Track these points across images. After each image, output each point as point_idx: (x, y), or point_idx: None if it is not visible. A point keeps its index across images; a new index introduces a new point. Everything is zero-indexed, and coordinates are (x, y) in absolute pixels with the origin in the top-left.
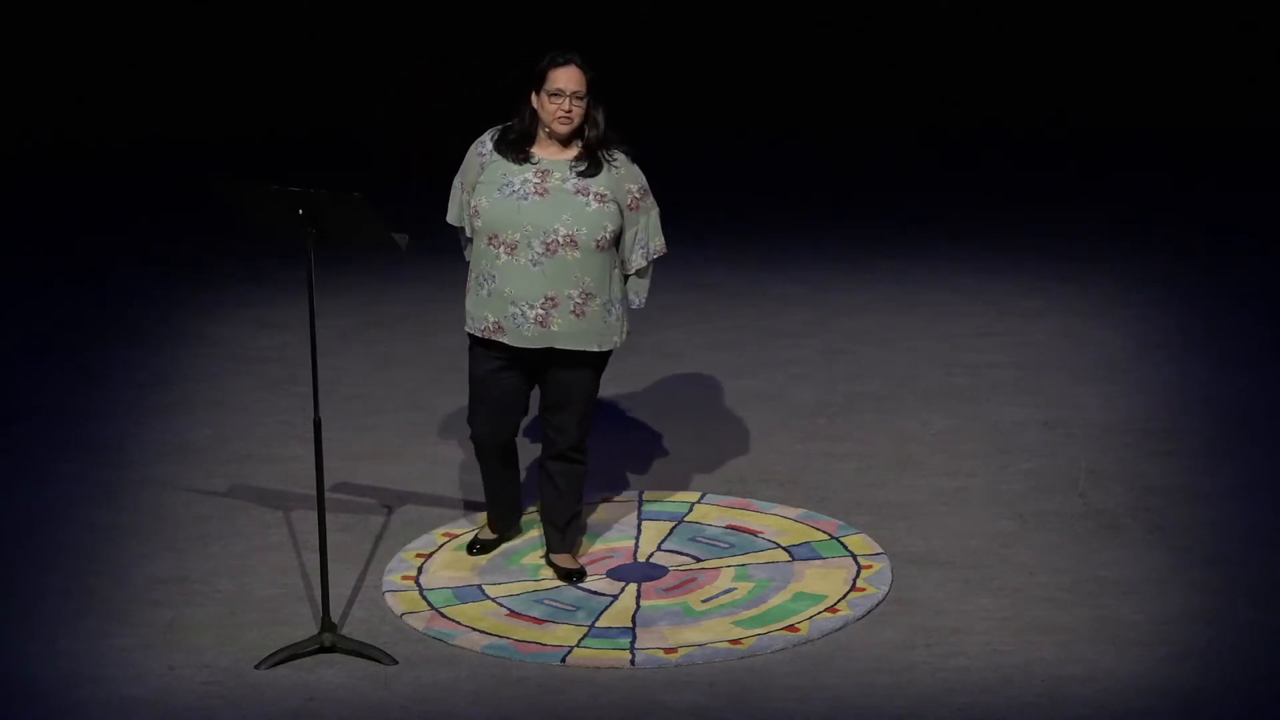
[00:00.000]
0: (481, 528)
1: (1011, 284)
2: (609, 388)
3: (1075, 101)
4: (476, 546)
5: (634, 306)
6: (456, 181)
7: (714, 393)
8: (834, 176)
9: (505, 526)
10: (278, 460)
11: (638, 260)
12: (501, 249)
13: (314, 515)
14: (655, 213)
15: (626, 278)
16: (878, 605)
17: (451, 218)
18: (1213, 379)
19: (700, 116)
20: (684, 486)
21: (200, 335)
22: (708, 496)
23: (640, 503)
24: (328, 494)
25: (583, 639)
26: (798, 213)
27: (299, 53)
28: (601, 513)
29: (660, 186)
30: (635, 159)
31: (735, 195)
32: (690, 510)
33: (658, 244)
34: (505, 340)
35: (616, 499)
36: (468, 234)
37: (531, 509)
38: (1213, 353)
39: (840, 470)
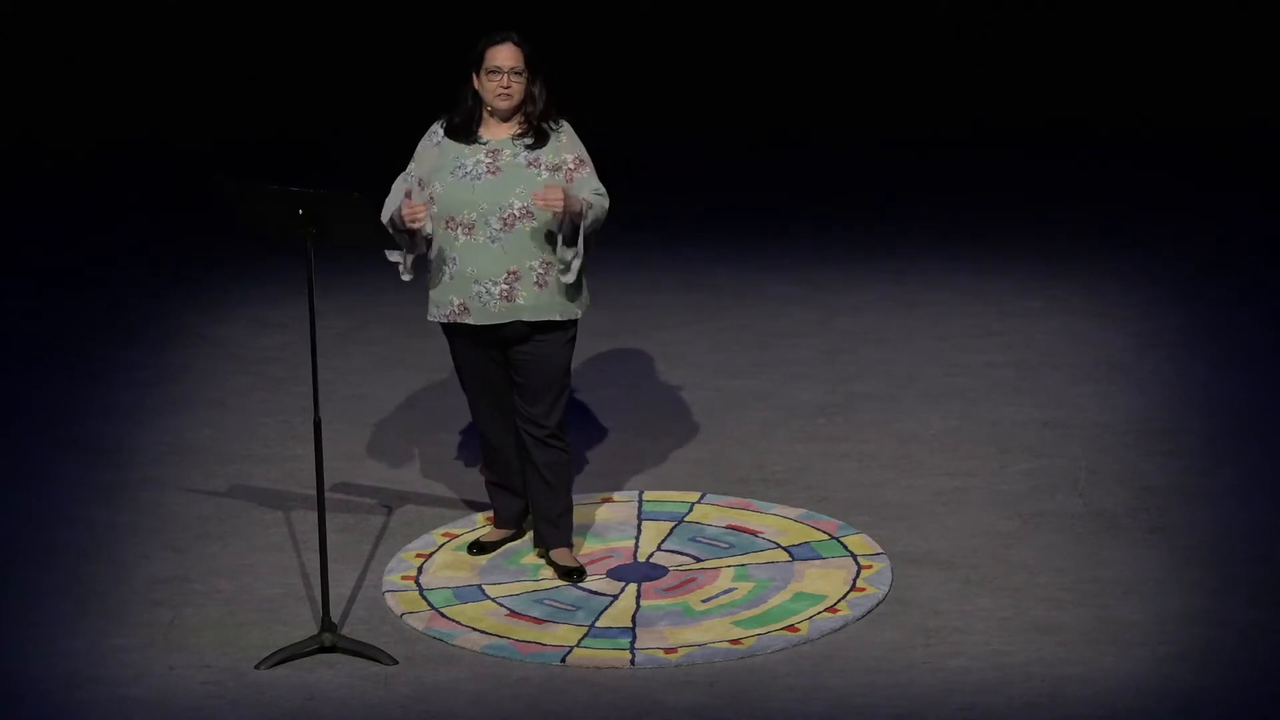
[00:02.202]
0: (483, 528)
1: (1011, 284)
2: (610, 388)
3: (1075, 101)
4: (476, 548)
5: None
6: (400, 178)
7: (714, 393)
8: (835, 176)
9: (515, 521)
10: (278, 460)
11: (584, 191)
12: (459, 230)
13: (314, 515)
14: (593, 181)
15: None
16: (878, 605)
17: (386, 217)
18: (1213, 379)
19: (700, 116)
20: (684, 486)
21: (200, 335)
22: (708, 496)
23: (640, 503)
24: (328, 494)
25: (583, 639)
26: (798, 213)
27: (300, 52)
28: (601, 513)
29: (660, 186)
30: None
31: (736, 195)
32: (690, 510)
33: (594, 187)
34: (470, 321)
35: (616, 499)
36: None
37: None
38: (1213, 353)
39: (840, 470)
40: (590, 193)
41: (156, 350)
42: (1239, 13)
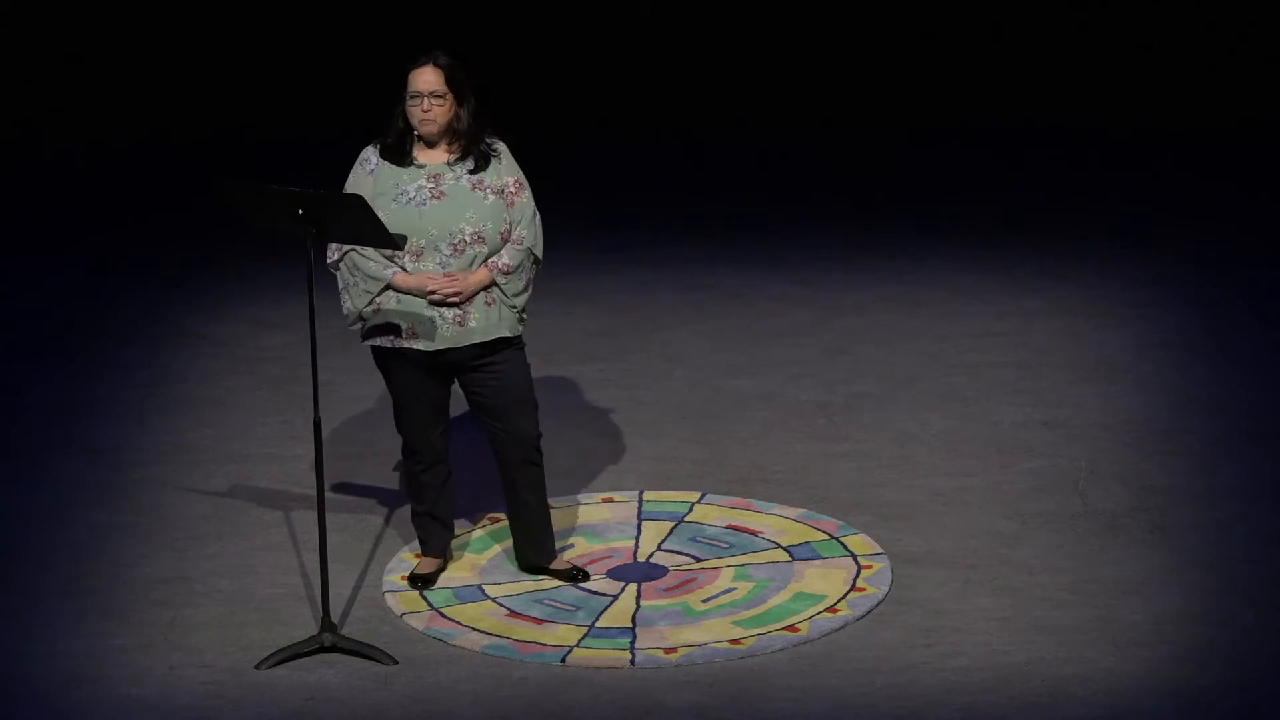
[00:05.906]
0: (418, 561)
1: (1011, 284)
2: (609, 387)
3: (1075, 100)
4: (420, 583)
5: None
6: None
7: (714, 393)
8: (834, 176)
9: (443, 549)
10: (278, 460)
11: (505, 255)
12: (407, 257)
13: (314, 515)
14: (530, 209)
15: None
16: (878, 605)
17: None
18: (1213, 379)
19: (700, 116)
20: (684, 486)
21: (200, 335)
22: (708, 496)
23: (640, 503)
24: (328, 494)
25: (583, 639)
26: (798, 213)
27: (300, 52)
28: (601, 513)
29: (659, 186)
30: (514, 152)
31: (736, 195)
32: (690, 510)
33: (527, 236)
34: (420, 346)
35: (616, 499)
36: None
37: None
38: (1213, 353)
39: (840, 470)
40: (510, 248)
41: (156, 350)
42: (1240, 12)
